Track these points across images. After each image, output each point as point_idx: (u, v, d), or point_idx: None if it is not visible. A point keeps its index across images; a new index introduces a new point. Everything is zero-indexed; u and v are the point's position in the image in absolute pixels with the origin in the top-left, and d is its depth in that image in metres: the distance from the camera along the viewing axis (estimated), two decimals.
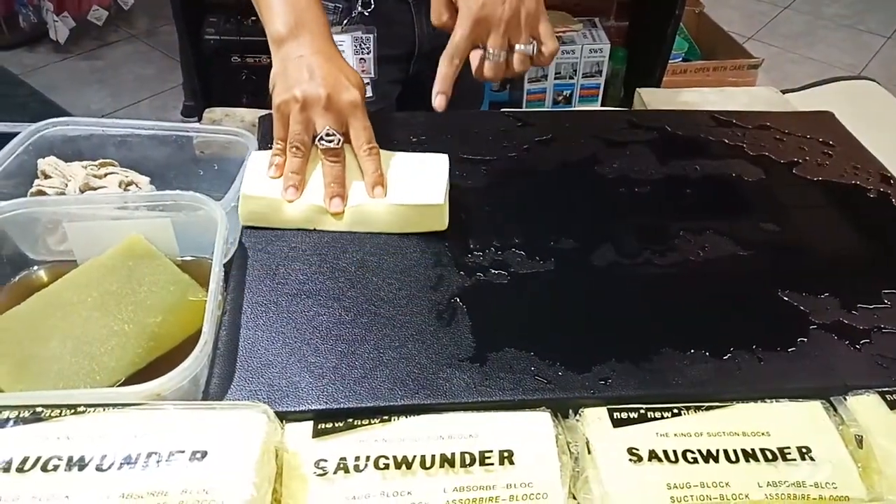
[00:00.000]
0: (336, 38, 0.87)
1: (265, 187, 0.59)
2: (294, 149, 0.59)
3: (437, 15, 0.66)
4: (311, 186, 0.60)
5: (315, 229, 0.60)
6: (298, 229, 0.60)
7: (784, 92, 0.96)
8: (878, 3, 2.94)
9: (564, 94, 1.85)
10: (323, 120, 0.59)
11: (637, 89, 0.94)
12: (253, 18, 1.73)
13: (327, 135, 0.59)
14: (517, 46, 0.64)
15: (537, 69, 1.80)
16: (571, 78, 1.82)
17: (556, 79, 1.82)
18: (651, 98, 0.92)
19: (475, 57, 0.65)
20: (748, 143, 0.76)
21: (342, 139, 0.60)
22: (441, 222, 0.60)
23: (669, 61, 1.76)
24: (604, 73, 1.82)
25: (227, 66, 1.73)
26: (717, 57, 1.94)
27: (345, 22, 0.83)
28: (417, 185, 0.60)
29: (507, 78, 0.66)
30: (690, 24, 2.04)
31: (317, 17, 0.64)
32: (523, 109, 1.73)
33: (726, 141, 0.77)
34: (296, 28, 0.61)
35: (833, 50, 2.63)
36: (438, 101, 0.65)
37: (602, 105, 1.87)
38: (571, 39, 1.77)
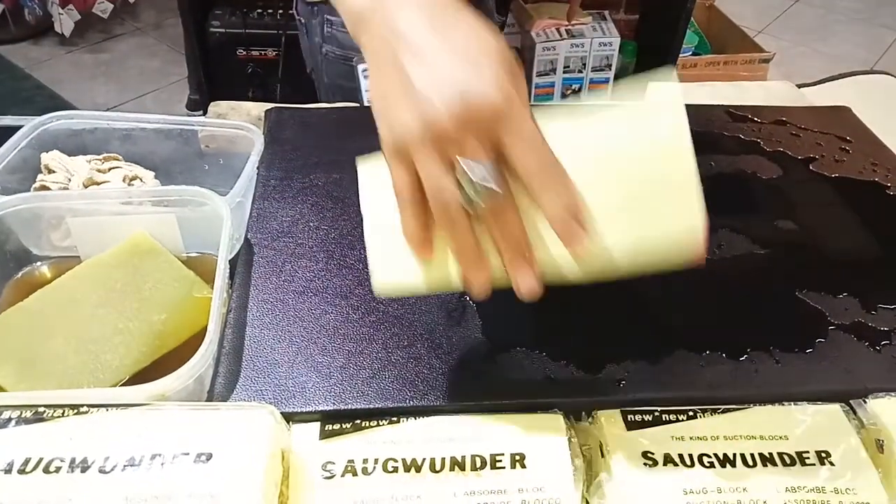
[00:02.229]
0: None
1: (401, 268, 0.37)
2: (441, 210, 0.35)
3: None
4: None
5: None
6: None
7: (799, 86, 0.95)
8: None
9: (573, 87, 1.83)
10: (464, 148, 0.34)
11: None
12: (258, 11, 1.72)
13: (477, 177, 0.34)
14: None
15: (545, 63, 1.79)
16: (580, 71, 1.80)
17: (564, 72, 1.80)
18: None
19: None
20: (764, 139, 0.75)
21: (497, 173, 0.34)
22: (700, 247, 0.35)
23: (680, 55, 1.74)
24: (613, 67, 1.80)
25: (233, 60, 1.72)
26: (727, 51, 1.91)
27: None
28: (655, 192, 0.35)
29: None
30: (701, 18, 2.02)
31: None
32: (532, 104, 1.72)
33: (741, 136, 0.75)
34: None
35: (846, 44, 2.60)
36: None
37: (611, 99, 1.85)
38: (581, 33, 1.75)
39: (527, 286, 0.35)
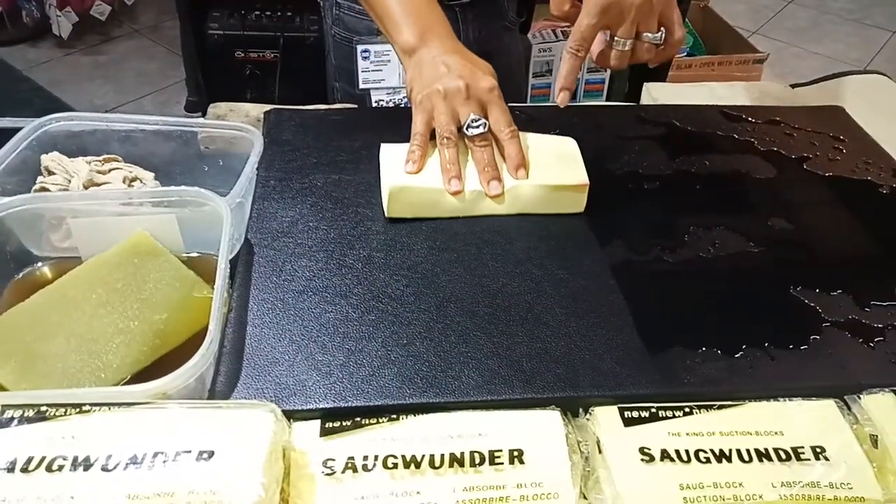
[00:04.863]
0: (383, 46, 0.87)
1: (414, 178, 0.61)
2: (445, 139, 0.61)
3: (559, 5, 0.62)
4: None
5: (458, 217, 0.62)
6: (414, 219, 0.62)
7: (793, 86, 0.95)
8: None
9: None
10: (466, 108, 0.62)
11: (645, 84, 0.93)
12: (256, 13, 1.72)
13: (474, 121, 0.61)
14: (645, 35, 0.60)
15: (541, 65, 1.79)
16: None
17: None
18: (659, 93, 0.91)
19: (597, 43, 0.62)
20: (758, 139, 0.76)
21: (488, 123, 0.62)
22: (583, 203, 0.63)
23: (675, 56, 1.75)
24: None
25: (231, 61, 1.73)
26: (722, 51, 1.92)
27: None
28: (560, 166, 0.64)
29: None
30: (695, 19, 2.03)
31: (441, 20, 0.67)
32: (528, 104, 1.72)
33: (736, 136, 0.76)
34: (424, 36, 0.65)
35: (839, 44, 2.61)
36: (562, 98, 0.63)
37: (607, 100, 1.86)
38: None
39: (493, 189, 0.61)
